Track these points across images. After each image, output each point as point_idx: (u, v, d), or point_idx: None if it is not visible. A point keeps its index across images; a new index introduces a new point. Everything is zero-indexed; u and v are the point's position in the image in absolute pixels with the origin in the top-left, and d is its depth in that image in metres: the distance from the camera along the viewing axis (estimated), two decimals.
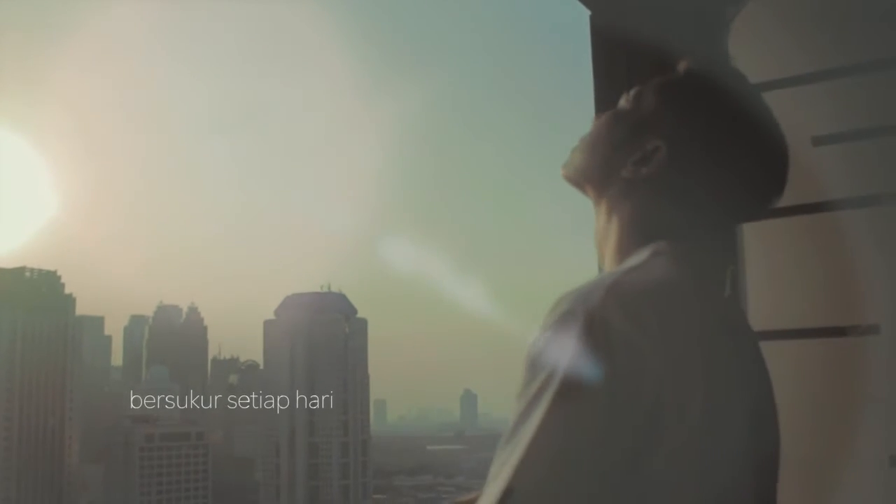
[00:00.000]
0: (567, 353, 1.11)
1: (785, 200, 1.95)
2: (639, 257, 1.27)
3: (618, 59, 2.10)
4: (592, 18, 2.16)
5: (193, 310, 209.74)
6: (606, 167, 1.37)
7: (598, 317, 1.12)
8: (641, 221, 1.33)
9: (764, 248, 2.00)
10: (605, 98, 2.11)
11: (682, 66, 1.40)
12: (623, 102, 1.42)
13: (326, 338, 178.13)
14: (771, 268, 1.99)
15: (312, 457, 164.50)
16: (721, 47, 2.05)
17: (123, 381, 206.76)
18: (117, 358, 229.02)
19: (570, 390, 1.09)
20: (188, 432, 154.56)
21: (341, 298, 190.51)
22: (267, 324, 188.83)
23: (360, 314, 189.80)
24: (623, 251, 1.32)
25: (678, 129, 1.32)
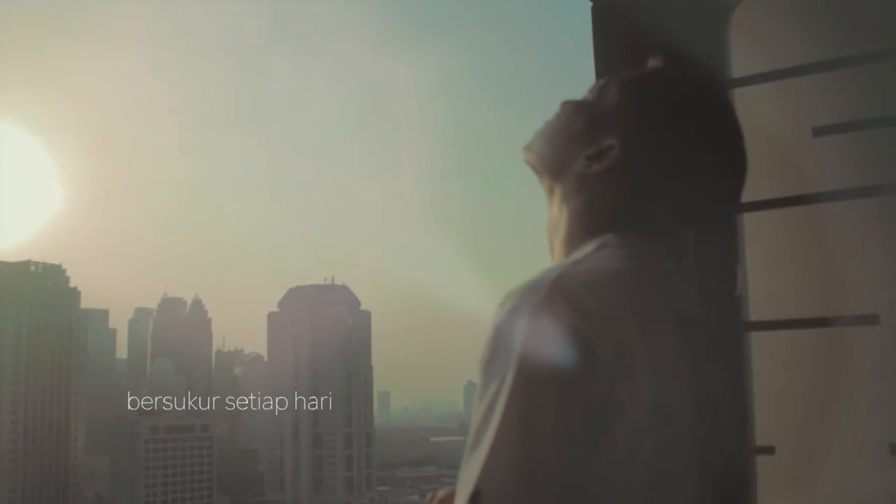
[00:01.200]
0: (518, 351, 1.13)
1: (786, 190, 1.95)
2: (585, 249, 1.29)
3: (619, 50, 2.11)
4: (594, 9, 2.17)
5: (198, 302, 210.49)
6: (561, 158, 1.38)
7: (546, 312, 1.14)
8: (591, 215, 1.34)
9: (764, 238, 2.00)
10: None
11: (650, 64, 1.42)
12: (588, 94, 1.42)
13: (330, 330, 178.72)
14: (771, 258, 2.00)
15: (316, 448, 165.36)
16: (722, 37, 2.05)
17: (128, 373, 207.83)
18: (122, 350, 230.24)
19: (524, 388, 1.12)
20: (193, 424, 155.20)
21: (345, 290, 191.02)
22: (271, 316, 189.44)
23: (363, 306, 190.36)
24: (572, 243, 1.33)
25: (635, 128, 1.33)
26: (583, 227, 1.32)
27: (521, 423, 1.11)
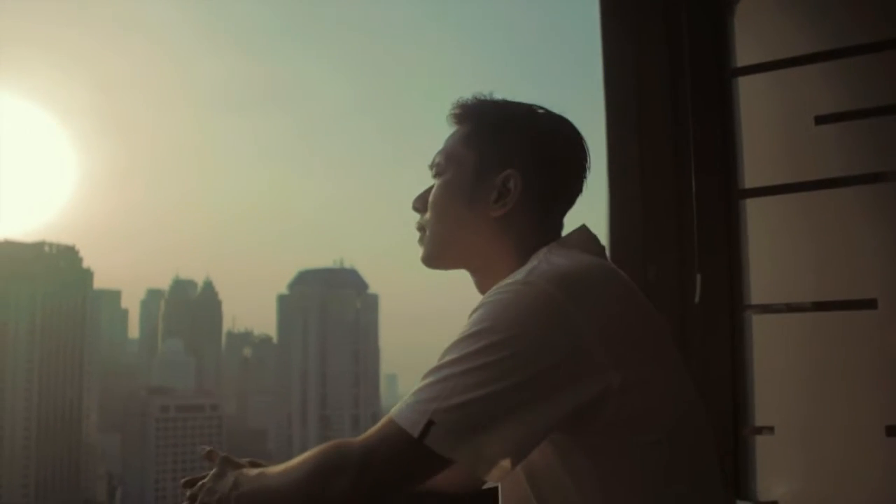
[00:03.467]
0: (498, 313, 1.22)
1: (787, 177, 2.02)
2: (536, 259, 1.34)
3: (626, 40, 2.19)
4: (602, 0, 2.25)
5: (208, 284, 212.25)
6: (468, 229, 1.44)
7: (536, 287, 1.23)
8: (524, 243, 1.41)
9: (765, 224, 2.05)
10: (614, 74, 2.19)
11: (477, 109, 1.49)
12: (440, 171, 1.48)
13: (339, 312, 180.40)
14: (772, 243, 2.05)
15: (324, 428, 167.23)
16: (725, 26, 2.10)
17: (140, 353, 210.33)
18: (134, 331, 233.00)
19: (496, 347, 1.19)
20: (203, 404, 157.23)
21: (354, 274, 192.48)
22: (280, 298, 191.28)
23: (371, 289, 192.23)
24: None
25: (523, 154, 1.42)
26: (527, 253, 1.37)
27: (487, 371, 1.18)
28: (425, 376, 1.23)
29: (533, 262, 1.30)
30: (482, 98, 1.48)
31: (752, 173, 2.05)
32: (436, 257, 1.49)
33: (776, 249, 2.04)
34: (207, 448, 1.49)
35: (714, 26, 2.11)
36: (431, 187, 1.49)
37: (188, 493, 1.42)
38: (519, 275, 1.27)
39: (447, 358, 1.22)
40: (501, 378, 1.17)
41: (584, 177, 1.48)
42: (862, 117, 1.93)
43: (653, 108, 2.15)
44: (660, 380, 1.27)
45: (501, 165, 1.42)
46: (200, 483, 1.40)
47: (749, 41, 2.08)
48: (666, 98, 2.13)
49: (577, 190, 1.48)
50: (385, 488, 1.22)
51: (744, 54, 2.07)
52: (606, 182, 2.19)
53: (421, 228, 1.51)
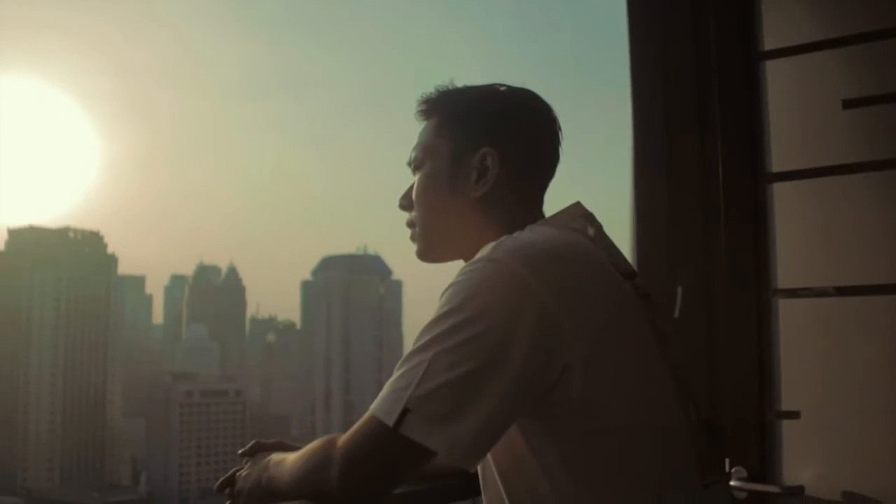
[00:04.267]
0: (464, 293, 1.22)
1: (815, 161, 2.01)
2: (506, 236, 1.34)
3: (653, 23, 2.18)
4: None
5: (232, 270, 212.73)
6: (455, 216, 1.46)
7: (500, 263, 1.23)
8: (512, 218, 1.42)
9: (793, 207, 2.03)
10: (641, 63, 2.20)
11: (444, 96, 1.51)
12: (418, 165, 1.51)
13: (362, 298, 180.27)
14: (800, 227, 2.02)
15: (348, 414, 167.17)
16: (753, 10, 2.07)
17: (164, 338, 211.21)
18: (158, 316, 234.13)
19: (466, 328, 1.19)
20: (226, 389, 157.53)
21: (377, 260, 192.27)
22: (304, 284, 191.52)
23: (395, 276, 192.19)
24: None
25: (486, 132, 1.44)
26: (510, 232, 1.35)
27: (459, 353, 1.18)
28: (400, 364, 1.23)
29: (501, 238, 1.30)
30: (445, 89, 1.51)
31: (780, 157, 2.04)
32: (429, 250, 1.51)
33: (803, 234, 2.03)
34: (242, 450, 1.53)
35: (741, 10, 2.08)
36: (414, 184, 1.51)
37: (227, 491, 1.46)
38: (485, 251, 1.27)
39: (419, 343, 1.22)
40: (472, 357, 1.18)
41: (558, 143, 1.50)
42: (890, 101, 1.91)
43: (680, 93, 2.15)
44: (625, 361, 1.26)
45: (476, 146, 1.43)
46: (234, 472, 1.46)
47: (776, 25, 2.07)
48: (693, 82, 2.13)
49: (553, 159, 1.50)
50: (371, 482, 1.22)
51: (771, 38, 2.06)
52: (631, 166, 2.20)
53: (411, 225, 1.52)
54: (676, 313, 1.27)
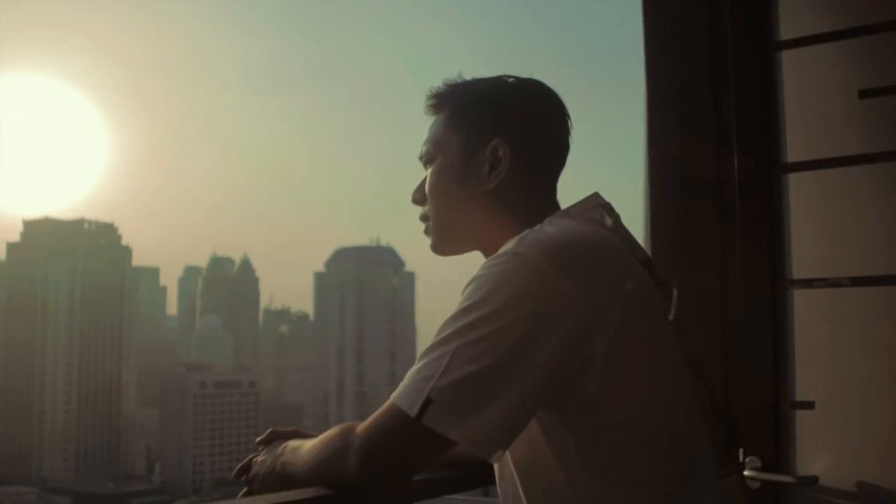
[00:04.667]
0: (488, 286, 1.22)
1: (831, 152, 2.00)
2: (528, 229, 1.33)
3: (668, 11, 2.18)
4: None
5: (246, 261, 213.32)
6: (468, 208, 1.46)
7: (524, 257, 1.23)
8: (525, 210, 1.43)
9: (809, 198, 2.02)
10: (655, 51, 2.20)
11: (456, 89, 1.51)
12: (429, 158, 1.51)
13: (375, 290, 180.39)
14: (815, 217, 2.02)
15: (361, 406, 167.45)
16: (769, 0, 2.06)
17: (178, 329, 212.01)
18: (172, 307, 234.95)
19: (489, 321, 1.19)
20: (240, 380, 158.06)
21: (390, 251, 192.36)
22: (317, 275, 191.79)
23: (408, 267, 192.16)
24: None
25: (496, 124, 1.45)
26: (526, 225, 1.34)
27: (482, 345, 1.18)
28: (422, 355, 1.23)
29: (524, 232, 1.29)
30: (453, 82, 1.51)
31: (796, 148, 2.03)
32: (443, 243, 1.52)
33: (819, 224, 2.03)
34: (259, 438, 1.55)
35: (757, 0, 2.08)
36: (426, 178, 1.52)
37: (244, 478, 1.46)
38: (508, 245, 1.27)
39: (442, 335, 1.22)
40: (495, 351, 1.18)
41: (568, 133, 1.50)
42: None
43: (695, 83, 2.14)
44: (643, 353, 1.26)
45: (487, 138, 1.44)
46: (251, 459, 1.48)
47: (792, 14, 2.06)
48: (708, 72, 2.12)
49: (563, 148, 1.50)
50: (390, 470, 1.23)
51: (788, 27, 2.05)
52: (645, 157, 2.20)
53: (424, 218, 1.53)
54: (671, 316, 1.30)
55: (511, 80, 1.50)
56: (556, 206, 1.46)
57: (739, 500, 1.62)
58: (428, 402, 1.17)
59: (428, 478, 1.49)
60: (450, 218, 1.49)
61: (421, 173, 1.54)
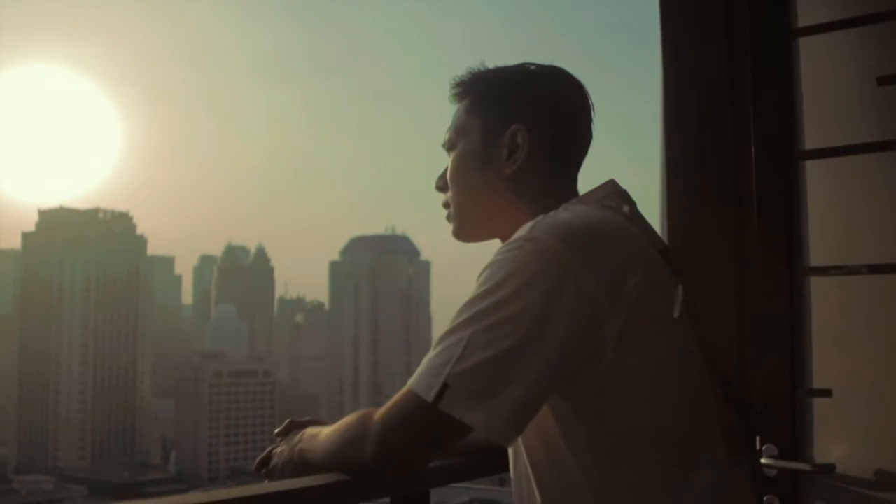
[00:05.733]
0: (503, 271, 1.24)
1: (848, 139, 1.99)
2: (543, 214, 1.34)
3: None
4: None
5: (261, 250, 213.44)
6: (488, 194, 1.48)
7: (538, 241, 1.24)
8: (545, 196, 1.44)
9: (826, 185, 2.01)
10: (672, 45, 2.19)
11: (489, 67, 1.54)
12: (451, 145, 1.53)
13: (390, 279, 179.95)
14: (833, 205, 2.01)
15: (375, 395, 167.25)
16: None
17: (193, 318, 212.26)
18: (187, 296, 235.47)
19: (504, 298, 1.21)
20: (255, 369, 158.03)
21: (405, 241, 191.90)
22: (332, 265, 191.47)
23: (423, 256, 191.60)
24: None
25: (516, 110, 1.46)
26: (544, 211, 1.34)
27: (498, 330, 1.19)
28: (438, 341, 1.24)
29: (538, 217, 1.30)
30: (475, 70, 1.53)
31: (813, 135, 2.03)
32: (464, 229, 1.53)
33: (836, 211, 2.02)
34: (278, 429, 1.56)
35: None
36: (448, 165, 1.54)
37: (264, 470, 1.48)
38: (523, 230, 1.28)
39: (458, 320, 1.23)
40: (510, 335, 1.19)
41: (590, 120, 1.51)
42: None
43: (712, 70, 2.14)
44: (656, 339, 1.27)
45: (506, 124, 1.45)
46: (270, 450, 1.50)
47: (810, 1, 2.05)
48: (726, 59, 2.12)
49: (584, 135, 1.51)
50: (408, 456, 1.24)
51: (806, 14, 2.04)
52: (662, 144, 2.20)
53: (446, 205, 1.55)
54: (676, 313, 1.28)
55: (533, 67, 1.51)
56: (575, 193, 1.47)
57: (750, 487, 1.68)
58: (445, 388, 1.17)
59: (444, 464, 1.50)
60: (470, 203, 1.51)
61: (436, 162, 1.56)
